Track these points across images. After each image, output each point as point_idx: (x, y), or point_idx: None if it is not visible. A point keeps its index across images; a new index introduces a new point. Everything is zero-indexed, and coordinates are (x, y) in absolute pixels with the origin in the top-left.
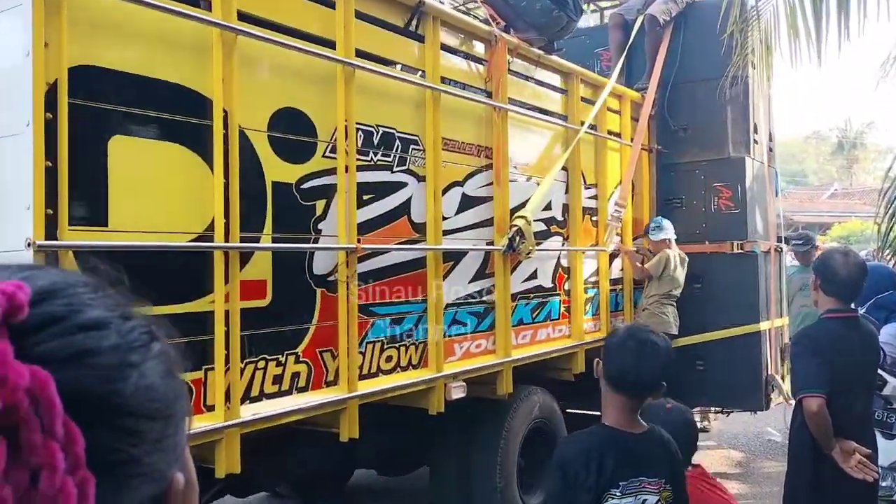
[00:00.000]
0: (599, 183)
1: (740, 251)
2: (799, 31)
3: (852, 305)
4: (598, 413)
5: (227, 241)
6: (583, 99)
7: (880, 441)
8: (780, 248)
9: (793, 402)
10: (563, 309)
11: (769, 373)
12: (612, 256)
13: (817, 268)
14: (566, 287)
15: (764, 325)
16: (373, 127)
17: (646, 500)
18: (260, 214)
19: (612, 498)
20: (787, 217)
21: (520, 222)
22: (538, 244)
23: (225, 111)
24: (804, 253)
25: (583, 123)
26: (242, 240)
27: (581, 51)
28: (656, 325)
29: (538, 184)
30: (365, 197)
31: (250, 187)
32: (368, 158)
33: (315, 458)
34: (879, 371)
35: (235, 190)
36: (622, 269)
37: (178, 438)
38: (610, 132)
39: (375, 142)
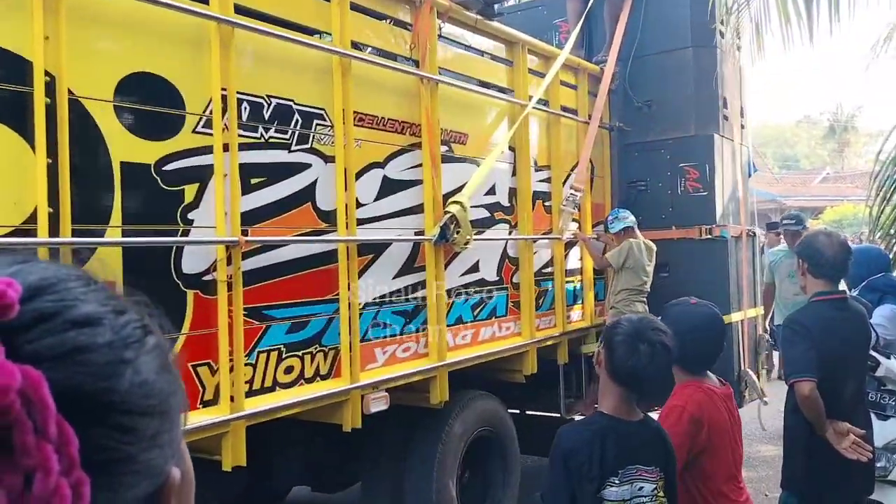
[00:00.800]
0: (553, 164)
1: (709, 236)
2: (790, 14)
3: (842, 287)
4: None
5: (53, 235)
6: (531, 71)
7: (875, 422)
8: (753, 233)
9: (767, 400)
10: (511, 304)
11: (742, 368)
12: (571, 245)
13: (803, 251)
14: (514, 280)
15: (735, 317)
16: (262, 98)
17: (642, 487)
18: (103, 202)
19: (611, 486)
20: (780, 201)
21: (454, 209)
22: (479, 233)
23: (50, 76)
24: (795, 234)
25: (531, 98)
26: (77, 233)
27: (538, 22)
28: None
29: (479, 166)
30: (253, 181)
31: (88, 169)
32: (257, 135)
33: (225, 481)
34: (872, 352)
35: (65, 172)
36: (581, 259)
37: (174, 434)
38: (565, 109)
39: (267, 115)
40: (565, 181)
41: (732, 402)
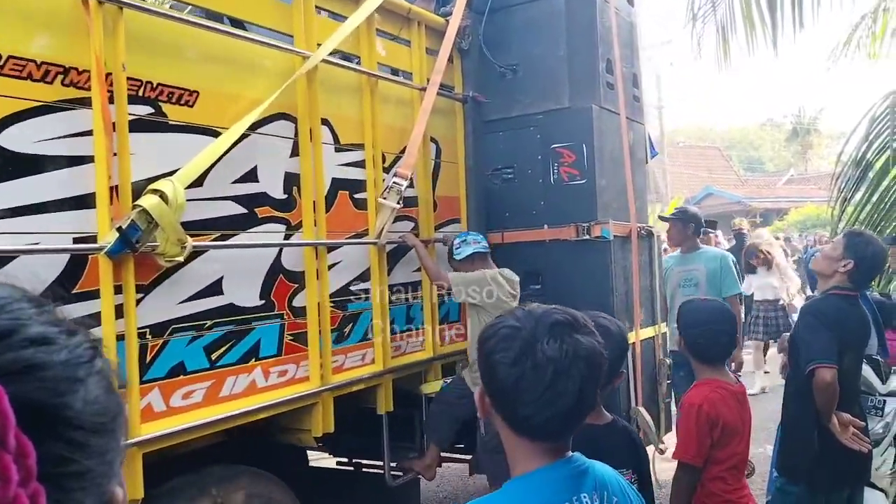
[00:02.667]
0: (369, 143)
1: (586, 236)
2: (755, 20)
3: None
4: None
5: None
6: (321, 10)
7: None
8: (650, 232)
9: (664, 447)
10: (290, 338)
11: (634, 405)
12: (403, 252)
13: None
14: (296, 304)
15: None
16: None
17: None
18: None
19: None
20: (745, 203)
21: (148, 202)
22: (221, 237)
23: None
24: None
25: (323, 49)
26: None
27: None
28: None
29: (218, 139)
30: None
31: None
32: None
33: None
34: None
35: None
36: (420, 271)
37: (118, 453)
38: (396, 71)
39: None
40: (392, 166)
41: (745, 399)
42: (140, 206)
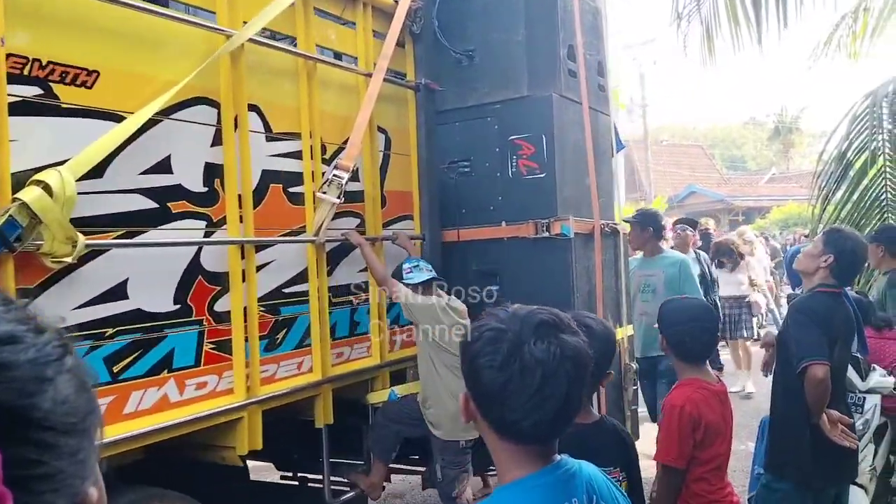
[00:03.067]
0: (306, 132)
1: (545, 234)
2: (739, 18)
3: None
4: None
5: None
6: None
7: None
8: (616, 229)
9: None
10: (210, 347)
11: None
12: (346, 252)
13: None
14: (217, 308)
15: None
16: None
17: None
18: None
19: None
20: (728, 202)
21: (28, 195)
22: (126, 234)
23: None
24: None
25: (249, 28)
26: None
27: None
28: (455, 430)
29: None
30: None
31: None
32: None
33: None
34: None
35: None
36: (367, 271)
37: (91, 452)
38: (339, 55)
39: None
40: (333, 157)
41: (727, 399)
42: (20, 199)
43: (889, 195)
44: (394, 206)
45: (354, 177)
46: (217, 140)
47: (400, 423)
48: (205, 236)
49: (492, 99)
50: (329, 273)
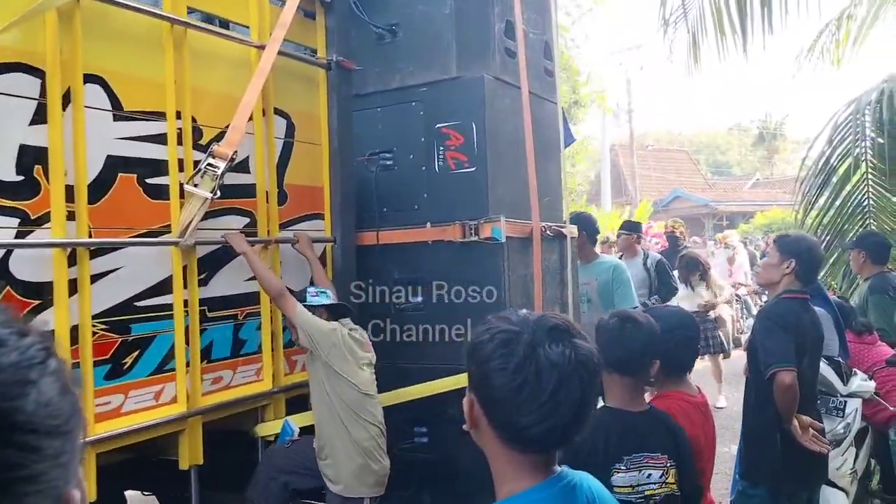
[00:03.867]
0: (173, 112)
1: (474, 238)
2: (725, 27)
3: None
4: None
5: None
6: None
7: None
8: (563, 232)
9: None
10: None
11: None
12: (228, 256)
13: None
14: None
15: None
16: None
17: (650, 474)
18: None
19: (618, 472)
20: (713, 207)
21: None
22: None
23: None
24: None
25: None
26: None
27: None
28: (358, 485)
29: None
30: None
31: None
32: None
33: None
34: None
35: None
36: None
37: (75, 455)
38: (226, 23)
39: None
40: (209, 143)
41: (709, 411)
42: None
43: (871, 201)
44: (297, 204)
45: (243, 168)
46: (40, 117)
47: (290, 473)
48: (17, 237)
49: (417, 81)
50: (204, 282)
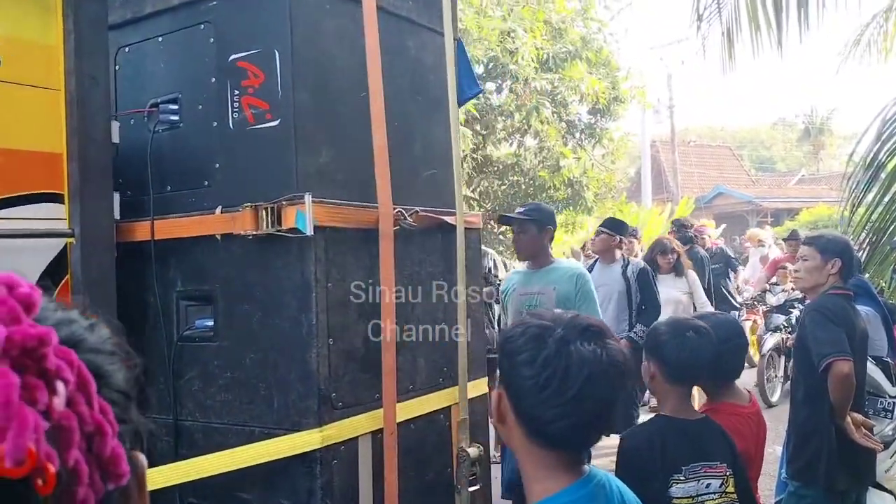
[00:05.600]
0: None
1: (271, 228)
2: (760, 22)
3: None
4: None
5: None
6: None
7: None
8: (447, 222)
9: None
10: None
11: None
12: None
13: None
14: None
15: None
16: None
17: (709, 483)
18: None
19: (677, 483)
20: (757, 203)
21: None
22: None
23: None
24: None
25: None
26: None
27: None
28: None
29: None
30: None
31: None
32: None
33: None
34: None
35: None
36: None
37: (138, 427)
38: None
39: None
40: None
41: (761, 419)
42: None
43: None
44: (8, 177)
45: None
46: None
47: None
48: None
49: None
50: None
